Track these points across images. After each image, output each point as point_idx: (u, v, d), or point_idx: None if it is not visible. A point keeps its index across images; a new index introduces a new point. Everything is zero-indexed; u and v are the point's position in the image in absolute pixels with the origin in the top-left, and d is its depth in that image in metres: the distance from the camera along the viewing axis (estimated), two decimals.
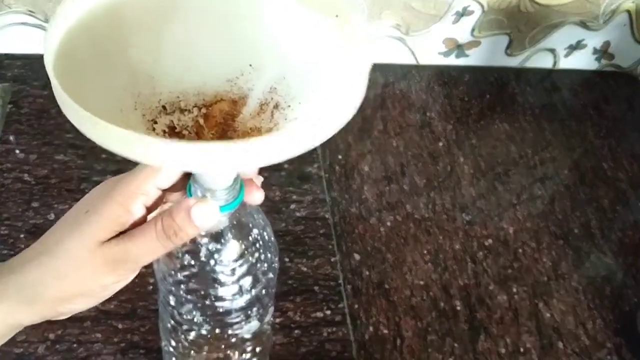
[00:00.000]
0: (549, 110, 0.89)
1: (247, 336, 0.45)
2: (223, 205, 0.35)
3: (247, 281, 0.40)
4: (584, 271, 0.71)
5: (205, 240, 0.38)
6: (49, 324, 0.56)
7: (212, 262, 0.39)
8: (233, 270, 0.39)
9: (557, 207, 0.77)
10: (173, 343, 0.47)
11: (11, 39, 0.78)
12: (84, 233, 0.33)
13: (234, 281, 0.40)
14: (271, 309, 0.47)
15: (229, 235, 0.38)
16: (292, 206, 0.70)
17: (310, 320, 0.61)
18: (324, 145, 0.78)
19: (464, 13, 0.85)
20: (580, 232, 0.74)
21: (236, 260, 0.39)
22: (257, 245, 0.40)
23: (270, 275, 0.42)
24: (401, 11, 0.83)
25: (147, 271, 0.62)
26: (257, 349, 0.48)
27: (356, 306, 0.63)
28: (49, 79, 0.29)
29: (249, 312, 0.43)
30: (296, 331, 0.60)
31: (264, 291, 0.42)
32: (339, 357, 0.59)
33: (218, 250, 0.39)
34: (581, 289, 0.69)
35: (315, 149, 0.77)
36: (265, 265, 0.41)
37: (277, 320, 0.60)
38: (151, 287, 0.61)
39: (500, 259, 0.70)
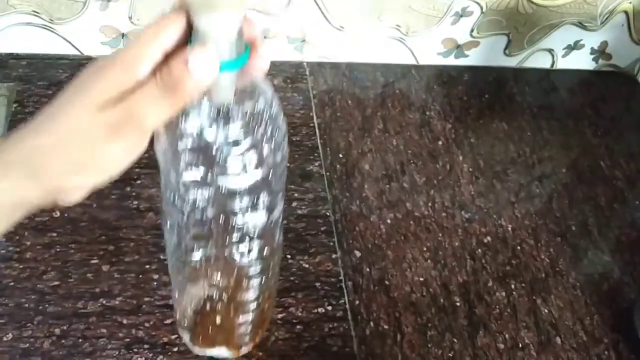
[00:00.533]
0: (547, 110, 0.90)
1: (253, 231, 0.43)
2: (226, 63, 0.32)
3: (251, 158, 0.38)
4: (581, 268, 0.72)
5: (208, 109, 0.36)
6: (55, 320, 0.57)
7: (214, 132, 0.36)
8: (236, 142, 0.37)
9: (555, 205, 0.78)
10: (176, 240, 0.45)
11: (16, 39, 0.79)
12: (85, 97, 0.31)
13: (237, 154, 0.37)
14: (281, 204, 0.44)
15: (233, 104, 0.36)
16: (294, 204, 0.71)
17: (312, 316, 0.62)
18: (325, 144, 0.79)
19: (463, 14, 0.86)
20: (578, 230, 0.75)
21: (240, 132, 0.37)
22: (263, 118, 0.38)
23: (279, 158, 0.40)
24: (401, 12, 0.84)
25: (151, 267, 0.63)
26: (265, 251, 0.46)
27: (357, 302, 0.64)
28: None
29: (256, 199, 0.40)
30: (298, 326, 0.61)
31: (271, 175, 0.39)
32: (340, 352, 0.60)
33: (221, 120, 0.36)
34: (579, 285, 0.70)
35: (316, 148, 0.78)
36: (273, 144, 0.39)
37: (279, 315, 0.61)
38: (155, 283, 0.62)
39: (499, 256, 0.71)
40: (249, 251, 0.44)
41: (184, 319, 0.53)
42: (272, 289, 0.53)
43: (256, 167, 0.38)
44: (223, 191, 0.39)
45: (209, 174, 0.38)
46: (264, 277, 0.48)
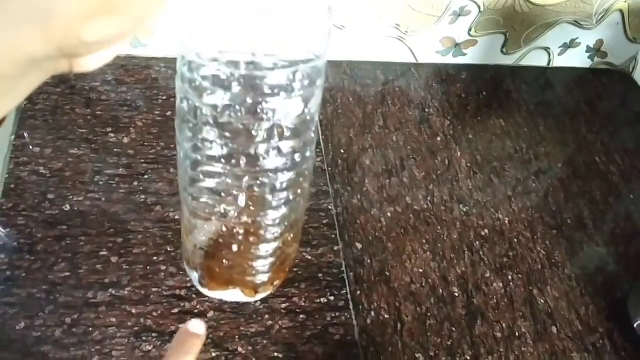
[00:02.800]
0: (543, 107, 0.92)
1: (288, 125, 0.35)
2: None
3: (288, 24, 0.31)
4: (577, 260, 0.74)
5: None
6: (66, 309, 0.59)
7: None
8: None
9: (552, 199, 0.80)
10: (189, 133, 0.37)
11: None
12: None
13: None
14: (319, 95, 0.36)
15: None
16: None
17: (315, 306, 0.64)
18: (327, 140, 0.81)
19: (461, 13, 0.88)
20: (573, 223, 0.77)
21: None
22: None
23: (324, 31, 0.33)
24: (401, 12, 0.86)
25: (159, 259, 0.65)
26: (297, 156, 0.37)
27: (358, 292, 0.66)
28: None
29: (292, 76, 0.33)
30: (301, 316, 0.63)
31: (313, 46, 0.33)
32: (342, 340, 0.62)
33: None
34: (574, 276, 0.72)
35: (318, 144, 0.80)
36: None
37: (283, 305, 0.63)
38: (163, 274, 0.63)
39: (496, 248, 0.73)
40: (278, 152, 0.36)
41: (194, 254, 0.45)
42: (299, 216, 0.43)
43: (293, 43, 0.32)
44: (253, 59, 0.32)
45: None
46: (290, 194, 0.39)
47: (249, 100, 0.33)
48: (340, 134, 0.82)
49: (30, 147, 0.72)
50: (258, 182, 0.37)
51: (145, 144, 0.75)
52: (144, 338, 0.59)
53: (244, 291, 0.46)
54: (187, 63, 0.33)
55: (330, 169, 0.77)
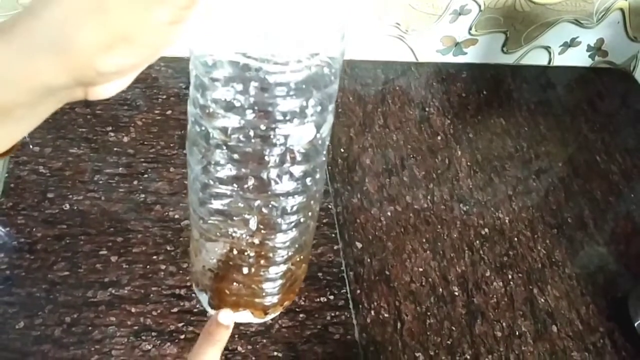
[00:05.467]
0: (544, 106, 0.92)
1: (298, 148, 0.35)
2: None
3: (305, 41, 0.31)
4: (577, 259, 0.74)
5: None
6: (66, 308, 0.59)
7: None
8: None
9: (552, 199, 0.80)
10: (202, 172, 0.37)
11: None
12: None
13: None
14: (330, 119, 0.37)
15: None
16: None
17: (315, 305, 0.64)
18: None
19: (461, 12, 0.88)
20: (574, 222, 0.77)
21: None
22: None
23: (336, 52, 0.32)
24: (401, 10, 0.86)
25: (159, 258, 0.65)
26: (309, 180, 0.38)
27: (358, 291, 0.66)
28: None
29: (305, 103, 0.33)
30: (301, 315, 0.63)
31: (326, 68, 0.33)
32: (342, 339, 0.62)
33: None
34: (575, 276, 0.72)
35: None
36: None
37: None
38: (162, 273, 0.63)
39: (496, 247, 0.73)
40: (290, 176, 0.37)
41: (203, 275, 0.45)
42: (308, 237, 0.44)
43: (310, 59, 0.32)
44: (267, 86, 0.32)
45: (248, 62, 0.31)
46: (301, 216, 0.40)
47: (262, 127, 0.33)
48: (340, 133, 0.82)
49: (30, 146, 0.72)
50: (269, 205, 0.38)
51: (145, 143, 0.75)
52: (143, 337, 0.59)
53: (254, 313, 0.47)
54: (200, 87, 0.34)
55: (330, 168, 0.77)
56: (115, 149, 0.73)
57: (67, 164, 0.71)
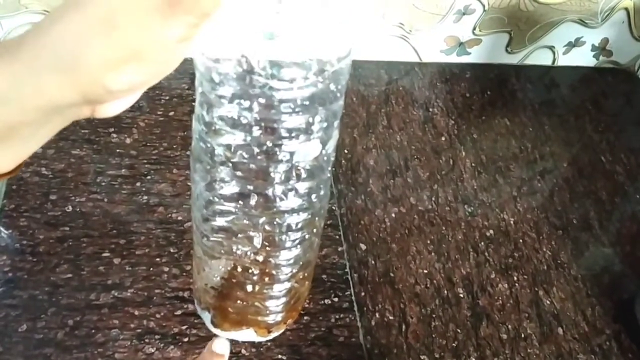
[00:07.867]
0: (548, 106, 0.92)
1: (303, 165, 0.35)
2: None
3: (310, 55, 0.31)
4: (583, 260, 0.73)
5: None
6: (69, 311, 0.59)
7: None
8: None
9: (557, 199, 0.79)
10: (206, 189, 0.37)
11: None
12: None
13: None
14: (336, 135, 0.37)
15: None
16: None
17: (319, 307, 0.63)
18: None
19: (465, 12, 0.87)
20: (579, 223, 0.77)
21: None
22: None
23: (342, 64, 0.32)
24: (405, 10, 0.86)
25: (162, 261, 0.65)
26: (314, 197, 0.37)
27: (362, 294, 0.66)
28: None
29: (311, 119, 0.33)
30: (305, 317, 0.62)
31: (331, 84, 0.33)
32: (346, 342, 0.61)
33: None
34: (580, 277, 0.71)
35: None
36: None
37: None
38: (165, 275, 0.63)
39: (501, 249, 0.72)
40: (295, 192, 0.37)
41: (205, 292, 0.46)
42: (312, 254, 0.44)
43: (316, 75, 0.31)
44: (273, 97, 0.31)
45: (254, 77, 0.31)
46: (305, 233, 0.40)
47: (268, 143, 0.33)
48: (344, 134, 0.82)
49: None
50: (274, 222, 0.38)
51: (148, 144, 0.75)
52: (146, 340, 0.59)
53: (257, 331, 0.47)
54: (206, 104, 0.33)
55: (333, 169, 0.77)
56: (117, 150, 0.73)
57: (70, 166, 0.71)
